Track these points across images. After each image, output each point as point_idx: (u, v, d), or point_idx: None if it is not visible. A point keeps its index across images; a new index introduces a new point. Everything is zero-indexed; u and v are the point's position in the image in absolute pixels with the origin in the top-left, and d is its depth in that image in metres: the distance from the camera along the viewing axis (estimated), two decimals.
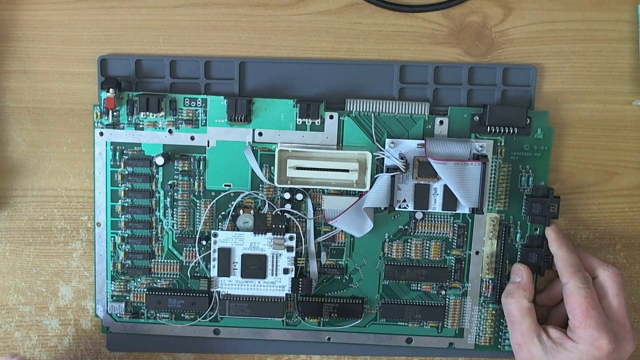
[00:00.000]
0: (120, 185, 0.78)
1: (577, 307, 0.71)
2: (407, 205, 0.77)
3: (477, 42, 0.77)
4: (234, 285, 0.79)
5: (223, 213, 0.79)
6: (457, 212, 0.77)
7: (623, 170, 0.80)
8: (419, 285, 0.80)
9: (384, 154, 0.76)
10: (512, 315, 0.75)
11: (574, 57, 0.78)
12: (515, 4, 0.77)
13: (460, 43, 0.77)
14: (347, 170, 0.75)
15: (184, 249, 0.80)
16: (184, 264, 0.80)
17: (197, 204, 0.79)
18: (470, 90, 0.77)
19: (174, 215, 0.79)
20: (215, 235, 0.78)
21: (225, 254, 0.78)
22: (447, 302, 0.80)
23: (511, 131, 0.76)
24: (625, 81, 0.78)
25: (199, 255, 0.79)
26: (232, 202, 0.79)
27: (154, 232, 0.79)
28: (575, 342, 0.71)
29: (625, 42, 0.77)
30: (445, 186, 0.75)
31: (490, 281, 0.79)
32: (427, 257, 0.79)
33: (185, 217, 0.79)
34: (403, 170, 0.75)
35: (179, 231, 0.79)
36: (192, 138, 0.77)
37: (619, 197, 0.80)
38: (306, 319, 0.81)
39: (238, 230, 0.79)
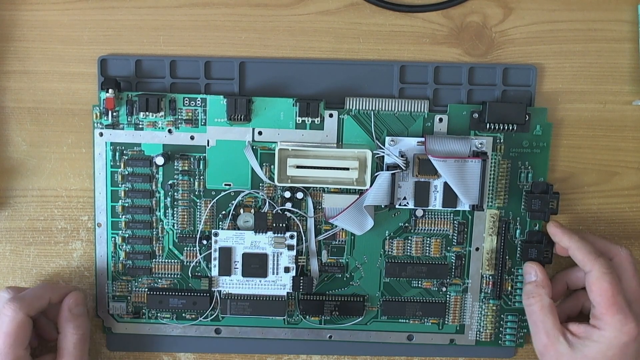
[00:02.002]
0: (120, 185, 0.79)
1: (603, 293, 0.70)
2: (407, 203, 0.77)
3: (477, 42, 0.78)
4: (235, 284, 0.79)
5: (223, 212, 0.79)
6: (457, 209, 0.78)
7: (623, 170, 0.80)
8: (419, 282, 0.80)
9: (384, 152, 0.76)
10: (536, 315, 0.74)
11: (574, 57, 0.78)
12: (515, 4, 0.77)
13: (460, 43, 0.78)
14: (347, 169, 0.75)
15: (185, 248, 0.80)
16: (185, 263, 0.80)
17: (198, 204, 0.79)
18: (470, 90, 0.78)
19: (175, 215, 0.79)
20: (216, 234, 0.78)
21: (226, 253, 0.78)
22: (447, 298, 0.80)
23: (510, 128, 0.76)
24: (625, 81, 0.78)
25: (200, 254, 0.79)
26: (233, 202, 0.79)
27: (154, 232, 0.79)
28: (602, 331, 0.70)
29: (625, 42, 0.78)
30: (445, 183, 0.76)
31: (490, 277, 0.80)
32: (427, 254, 0.80)
33: (185, 216, 0.79)
34: (403, 168, 0.75)
35: (179, 231, 0.79)
36: (192, 138, 0.77)
37: (619, 197, 0.81)
38: (307, 317, 0.81)
39: (239, 229, 0.79)
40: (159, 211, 0.79)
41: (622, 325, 0.70)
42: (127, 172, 0.78)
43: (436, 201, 0.77)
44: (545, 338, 0.73)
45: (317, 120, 0.77)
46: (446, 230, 0.79)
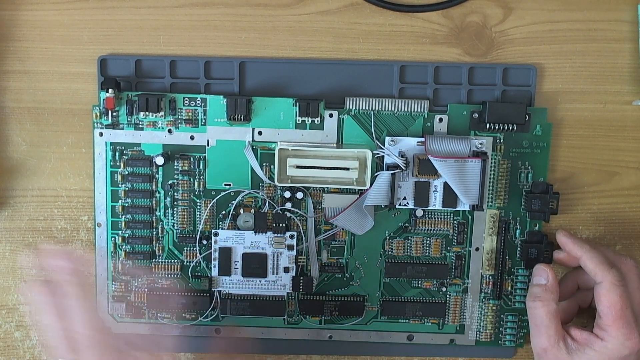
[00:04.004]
0: (120, 185, 0.79)
1: (612, 306, 0.70)
2: (407, 203, 0.77)
3: (477, 42, 0.78)
4: (235, 284, 0.79)
5: (223, 212, 0.79)
6: (457, 209, 0.77)
7: (623, 170, 0.80)
8: (419, 282, 0.80)
9: (384, 152, 0.76)
10: (540, 319, 0.73)
11: (574, 57, 0.78)
12: (515, 4, 0.77)
13: (460, 43, 0.78)
14: (347, 169, 0.75)
15: (185, 248, 0.80)
16: (185, 263, 0.80)
17: (198, 204, 0.79)
18: (470, 90, 0.78)
19: (175, 215, 0.79)
20: (216, 234, 0.78)
21: (226, 253, 0.78)
22: (447, 298, 0.80)
23: (510, 128, 0.76)
24: (625, 81, 0.78)
25: (200, 254, 0.79)
26: (233, 202, 0.79)
27: (154, 232, 0.79)
28: (604, 342, 0.70)
29: (625, 42, 0.78)
30: (445, 183, 0.76)
31: (490, 277, 0.80)
32: (427, 254, 0.80)
33: (185, 216, 0.79)
34: (403, 168, 0.75)
35: (179, 231, 0.79)
36: (192, 138, 0.77)
37: (619, 197, 0.80)
38: (307, 317, 0.81)
39: (238, 229, 0.79)
40: (159, 211, 0.79)
41: (625, 339, 0.69)
42: (127, 172, 0.78)
43: (436, 201, 0.77)
44: (546, 342, 0.73)
45: (317, 120, 0.77)
46: (446, 230, 0.79)
